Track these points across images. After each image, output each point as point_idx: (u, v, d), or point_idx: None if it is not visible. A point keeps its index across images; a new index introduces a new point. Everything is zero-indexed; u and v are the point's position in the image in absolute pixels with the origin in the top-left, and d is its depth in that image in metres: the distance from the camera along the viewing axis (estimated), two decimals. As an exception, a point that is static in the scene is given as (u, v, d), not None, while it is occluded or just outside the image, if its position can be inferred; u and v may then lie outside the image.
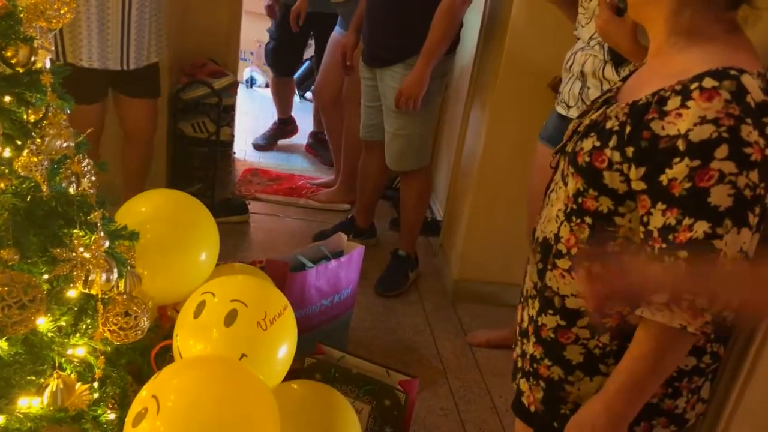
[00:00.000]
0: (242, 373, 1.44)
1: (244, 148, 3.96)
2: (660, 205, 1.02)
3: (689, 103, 0.99)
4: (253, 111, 4.42)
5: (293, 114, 4.12)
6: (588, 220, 1.13)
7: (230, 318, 1.54)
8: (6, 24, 1.14)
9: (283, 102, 4.01)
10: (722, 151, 0.97)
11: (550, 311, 1.21)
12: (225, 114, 3.18)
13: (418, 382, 1.97)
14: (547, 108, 2.24)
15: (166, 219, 1.85)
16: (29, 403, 1.25)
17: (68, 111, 1.35)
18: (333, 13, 3.37)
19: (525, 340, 1.30)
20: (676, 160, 1.00)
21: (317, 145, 4.06)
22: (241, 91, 4.71)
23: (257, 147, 4.02)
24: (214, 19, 3.23)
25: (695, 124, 0.98)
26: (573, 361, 1.20)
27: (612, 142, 1.08)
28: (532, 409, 1.28)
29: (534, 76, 2.52)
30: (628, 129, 1.06)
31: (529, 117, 2.51)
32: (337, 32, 3.31)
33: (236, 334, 1.52)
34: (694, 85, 1.00)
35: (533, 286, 1.27)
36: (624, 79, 1.23)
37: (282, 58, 3.82)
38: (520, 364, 1.32)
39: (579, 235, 1.15)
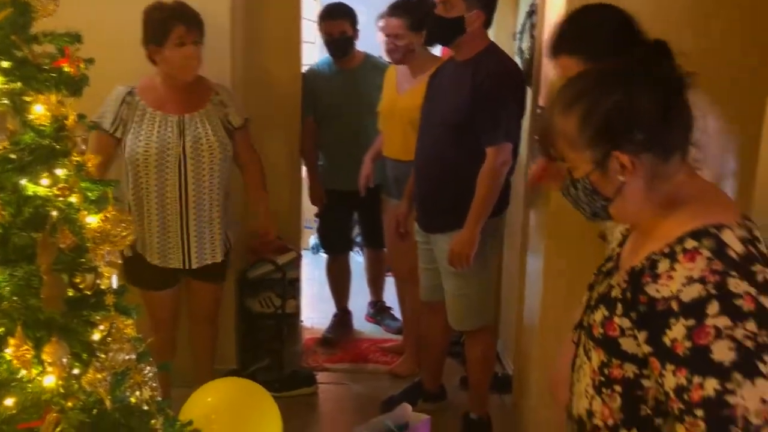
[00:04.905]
0: None
1: (311, 315, 4.04)
2: (669, 366, 1.04)
3: (676, 266, 1.05)
4: (320, 277, 4.54)
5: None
6: (617, 388, 1.15)
7: None
8: (74, 255, 1.27)
9: (339, 289, 3.97)
10: (713, 307, 1.00)
11: None
12: (290, 287, 3.29)
13: None
14: (600, 258, 2.24)
15: (230, 409, 1.92)
16: None
17: (134, 316, 1.46)
18: (369, 188, 3.46)
19: None
20: (673, 320, 1.03)
21: (377, 314, 4.07)
22: (307, 257, 4.89)
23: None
24: (275, 199, 3.41)
25: (684, 285, 1.03)
26: None
27: (618, 310, 1.13)
28: None
29: (583, 225, 2.54)
30: (629, 295, 1.11)
31: (580, 268, 2.50)
32: (392, 203, 3.41)
33: None
34: (678, 248, 1.06)
35: None
36: (621, 244, 1.28)
37: (331, 240, 3.92)
38: None
39: (612, 405, 1.16)
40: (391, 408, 2.67)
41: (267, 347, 3.25)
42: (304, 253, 3.95)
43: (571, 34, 1.84)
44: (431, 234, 2.78)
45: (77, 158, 1.31)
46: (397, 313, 3.98)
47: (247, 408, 1.93)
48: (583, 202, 1.19)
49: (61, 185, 1.26)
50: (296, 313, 3.43)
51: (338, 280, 3.96)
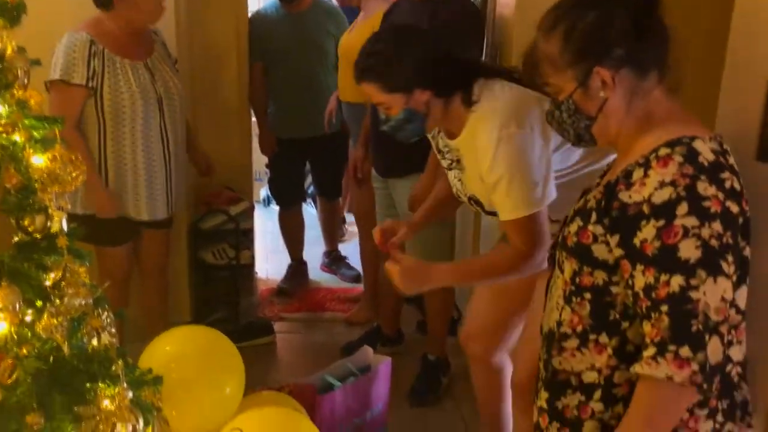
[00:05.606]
0: None
1: (266, 266, 4.00)
2: (639, 267, 1.09)
3: (649, 172, 1.10)
4: (273, 229, 4.50)
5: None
6: (587, 295, 1.20)
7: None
8: (21, 196, 1.20)
9: (293, 240, 3.89)
10: (683, 208, 1.06)
11: (569, 391, 1.24)
12: (244, 238, 3.24)
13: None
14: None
15: (190, 357, 1.87)
16: None
17: (87, 264, 1.40)
18: (322, 136, 3.46)
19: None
20: (644, 222, 1.08)
21: (333, 263, 4.04)
22: (259, 210, 4.83)
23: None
24: (225, 148, 3.34)
25: (656, 189, 1.08)
26: None
27: (593, 219, 1.18)
28: None
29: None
30: (603, 203, 1.16)
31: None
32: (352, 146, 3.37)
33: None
34: (652, 156, 1.11)
35: (542, 377, 1.32)
36: (603, 175, 1.33)
37: (283, 191, 3.84)
38: None
39: (581, 312, 1.21)
40: (352, 353, 2.67)
41: (222, 299, 3.21)
42: (255, 205, 3.88)
43: (374, 63, 1.79)
44: (389, 179, 2.75)
45: (19, 93, 1.22)
46: (352, 261, 3.98)
47: (208, 355, 1.88)
48: (567, 125, 1.22)
49: (3, 121, 1.18)
50: (251, 264, 3.39)
51: (292, 232, 3.90)
